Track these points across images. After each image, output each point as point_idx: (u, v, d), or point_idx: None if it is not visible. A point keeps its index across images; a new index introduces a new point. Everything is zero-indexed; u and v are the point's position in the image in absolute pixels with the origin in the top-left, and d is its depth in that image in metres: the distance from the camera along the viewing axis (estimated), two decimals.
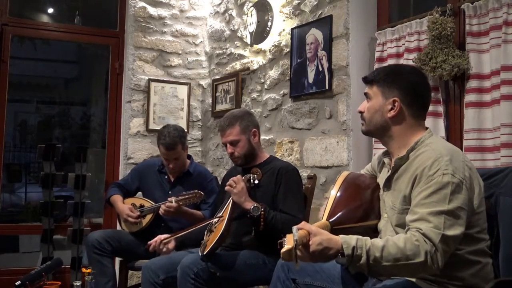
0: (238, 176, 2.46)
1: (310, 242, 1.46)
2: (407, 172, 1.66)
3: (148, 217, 3.10)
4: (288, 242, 1.40)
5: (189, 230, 2.58)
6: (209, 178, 3.24)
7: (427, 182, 1.55)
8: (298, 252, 1.45)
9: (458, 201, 1.51)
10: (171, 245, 2.58)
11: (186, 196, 2.88)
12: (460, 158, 1.60)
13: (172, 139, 3.02)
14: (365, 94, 1.81)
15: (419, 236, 1.47)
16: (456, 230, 1.49)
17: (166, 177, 3.22)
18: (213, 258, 2.30)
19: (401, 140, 1.72)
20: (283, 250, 1.39)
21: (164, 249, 2.56)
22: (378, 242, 1.48)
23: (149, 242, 2.61)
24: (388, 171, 1.76)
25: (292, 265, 1.89)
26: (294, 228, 1.44)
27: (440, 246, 1.46)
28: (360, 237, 1.49)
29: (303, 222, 1.54)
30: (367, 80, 1.80)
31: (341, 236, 1.49)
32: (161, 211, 2.90)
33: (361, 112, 1.81)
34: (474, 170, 1.63)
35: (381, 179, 1.84)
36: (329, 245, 1.46)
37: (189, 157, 3.30)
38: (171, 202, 2.86)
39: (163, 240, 2.57)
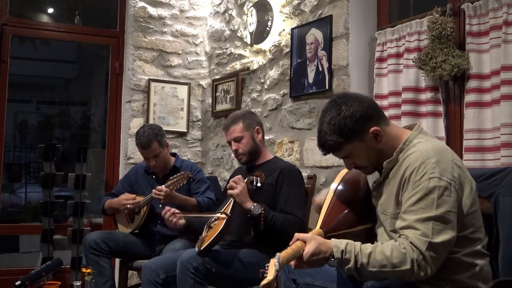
0: (239, 176, 2.48)
1: (305, 250, 1.51)
2: (397, 175, 1.63)
3: (143, 211, 3.11)
4: (269, 273, 1.36)
5: (200, 215, 2.70)
6: (197, 169, 3.28)
7: (414, 188, 1.53)
8: (295, 262, 1.52)
9: (447, 205, 1.49)
10: (182, 221, 2.68)
11: (175, 179, 2.93)
12: (449, 157, 1.57)
13: (146, 138, 3.09)
14: (344, 158, 1.72)
15: (406, 244, 1.48)
16: (446, 235, 1.47)
17: (153, 176, 3.26)
18: (210, 254, 2.32)
19: (389, 149, 1.68)
20: (263, 283, 1.34)
21: (174, 220, 2.66)
22: (367, 248, 1.51)
23: (165, 209, 2.71)
24: (379, 176, 1.73)
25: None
26: (277, 255, 1.41)
27: (427, 253, 1.45)
28: (350, 241, 1.53)
29: (297, 234, 1.59)
30: (333, 150, 1.69)
31: (332, 239, 1.54)
32: (152, 195, 2.94)
33: (355, 168, 1.75)
34: (464, 169, 1.61)
35: (370, 182, 1.82)
36: (322, 249, 1.52)
37: (174, 154, 3.36)
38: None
39: (176, 212, 2.67)
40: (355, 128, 1.63)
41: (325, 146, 1.69)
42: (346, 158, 1.73)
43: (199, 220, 2.64)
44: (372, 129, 1.64)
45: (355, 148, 1.67)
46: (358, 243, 1.52)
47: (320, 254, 1.51)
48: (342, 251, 1.49)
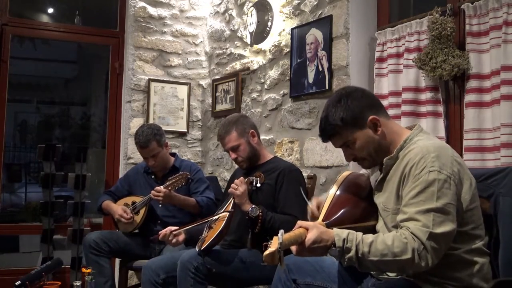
0: (242, 178, 2.49)
1: (307, 237, 1.52)
2: (397, 171, 1.66)
3: (142, 212, 3.11)
4: (272, 245, 1.40)
5: (198, 223, 2.58)
6: (196, 169, 3.28)
7: (414, 181, 1.56)
8: (296, 248, 1.53)
9: (447, 198, 1.51)
10: (181, 237, 2.55)
11: (174, 180, 2.93)
12: (449, 153, 1.60)
13: (144, 137, 3.08)
14: (343, 145, 1.74)
15: (407, 234, 1.50)
16: (446, 227, 1.49)
17: (153, 176, 3.26)
18: (210, 254, 2.33)
19: (389, 144, 1.72)
20: (265, 253, 1.39)
21: (174, 241, 2.54)
22: (368, 237, 1.53)
23: (160, 232, 2.57)
24: (380, 174, 1.75)
25: (292, 266, 1.90)
26: (281, 231, 1.45)
27: (428, 243, 1.47)
28: (352, 231, 1.54)
29: (300, 221, 1.60)
30: (332, 134, 1.74)
31: (334, 229, 1.56)
32: (151, 196, 2.93)
33: (354, 160, 1.77)
34: (464, 165, 1.63)
35: (372, 181, 1.83)
36: (324, 237, 1.53)
37: (174, 154, 3.36)
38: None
39: (173, 231, 2.54)
40: (355, 114, 1.69)
41: (325, 131, 1.75)
42: (345, 147, 1.75)
43: (197, 229, 2.58)
44: (371, 117, 1.69)
45: (354, 135, 1.71)
46: (359, 233, 1.54)
47: (321, 242, 1.52)
48: (344, 239, 1.51)
